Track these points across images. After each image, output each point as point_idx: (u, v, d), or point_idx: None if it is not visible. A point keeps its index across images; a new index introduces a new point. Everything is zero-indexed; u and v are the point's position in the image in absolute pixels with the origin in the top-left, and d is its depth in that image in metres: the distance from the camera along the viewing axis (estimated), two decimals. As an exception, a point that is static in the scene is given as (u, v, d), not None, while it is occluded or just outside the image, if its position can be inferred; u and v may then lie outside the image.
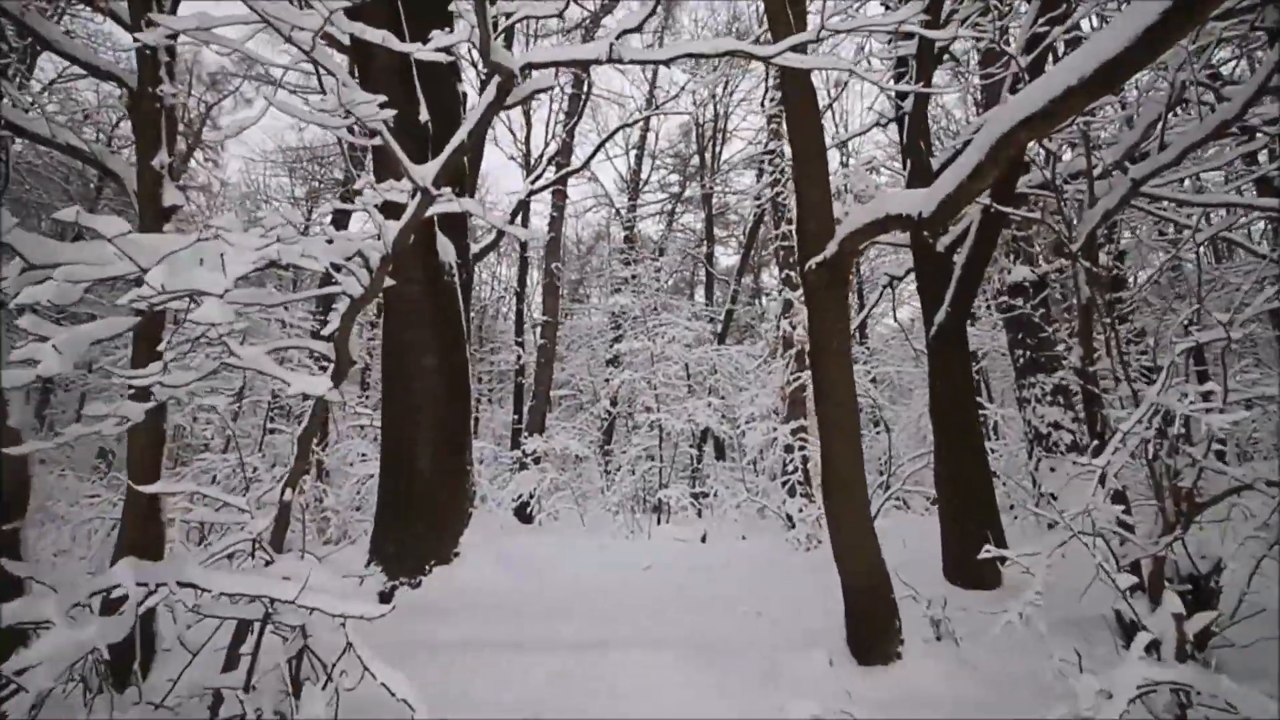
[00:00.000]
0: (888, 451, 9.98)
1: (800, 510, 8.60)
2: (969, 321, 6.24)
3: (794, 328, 5.07)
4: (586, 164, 11.76)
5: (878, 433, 14.57)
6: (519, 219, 17.02)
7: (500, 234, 10.93)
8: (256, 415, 12.68)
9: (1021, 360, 7.85)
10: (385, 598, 5.41)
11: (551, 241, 14.96)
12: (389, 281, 3.35)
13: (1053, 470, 7.43)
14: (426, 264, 5.81)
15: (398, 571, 5.49)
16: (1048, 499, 7.40)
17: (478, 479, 5.58)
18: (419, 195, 3.09)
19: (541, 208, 19.07)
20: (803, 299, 4.35)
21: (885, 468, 10.12)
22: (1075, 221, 6.47)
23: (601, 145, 11.54)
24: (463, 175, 6.65)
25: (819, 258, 3.85)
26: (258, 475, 9.74)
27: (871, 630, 3.80)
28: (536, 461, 13.16)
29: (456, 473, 5.82)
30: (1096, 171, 4.79)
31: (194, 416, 11.77)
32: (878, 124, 8.87)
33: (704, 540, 8.81)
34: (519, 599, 5.15)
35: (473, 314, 24.91)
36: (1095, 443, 4.48)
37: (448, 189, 3.22)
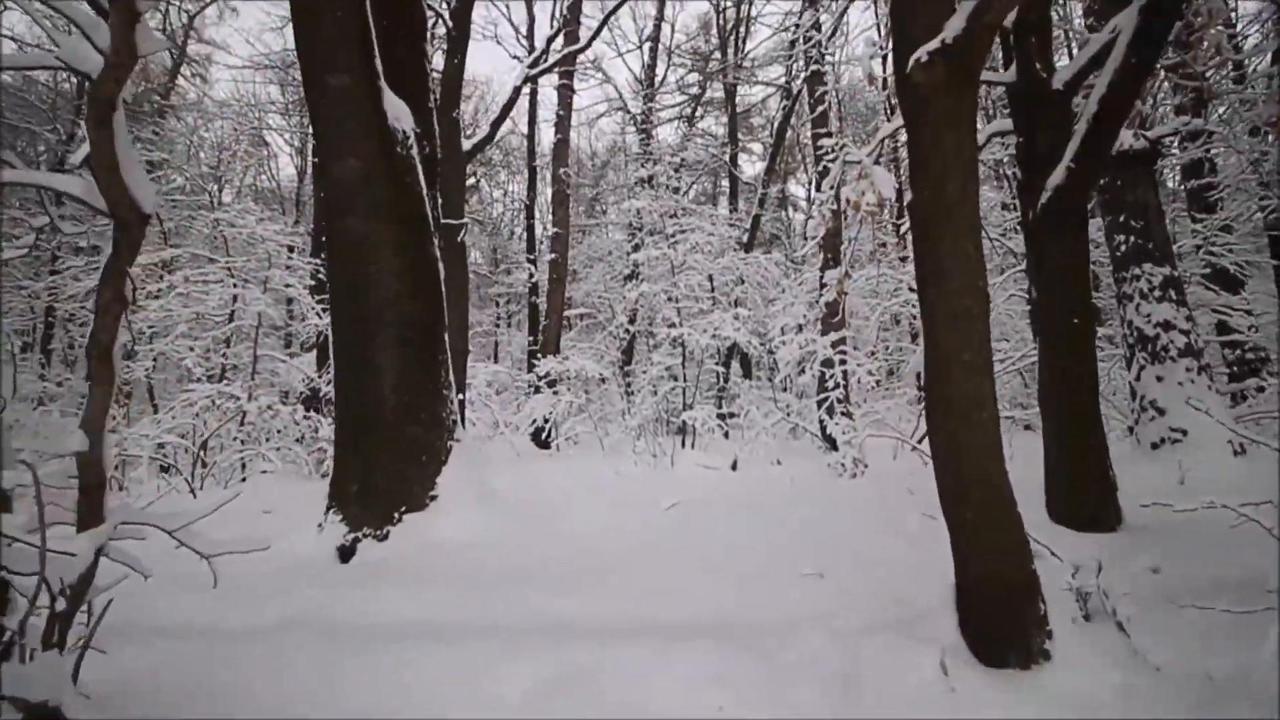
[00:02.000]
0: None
1: (845, 433, 7.27)
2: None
3: (862, 194, 3.59)
4: (593, 38, 9.94)
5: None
6: (529, 119, 15.21)
7: (495, 127, 9.30)
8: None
9: (1124, 248, 6.22)
10: (346, 553, 4.24)
11: (559, 145, 13.21)
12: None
13: (1160, 380, 5.93)
14: (370, 133, 4.33)
15: (360, 520, 4.31)
16: (1152, 413, 5.94)
17: (454, 404, 4.22)
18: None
19: (548, 113, 17.15)
20: (901, 123, 2.81)
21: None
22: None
23: (611, 14, 9.65)
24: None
25: (932, 44, 2.31)
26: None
27: (1004, 615, 2.48)
28: (551, 385, 11.94)
29: (429, 397, 4.53)
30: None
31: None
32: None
33: (734, 467, 7.57)
34: (506, 559, 3.93)
35: (480, 227, 23.39)
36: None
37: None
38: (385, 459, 4.36)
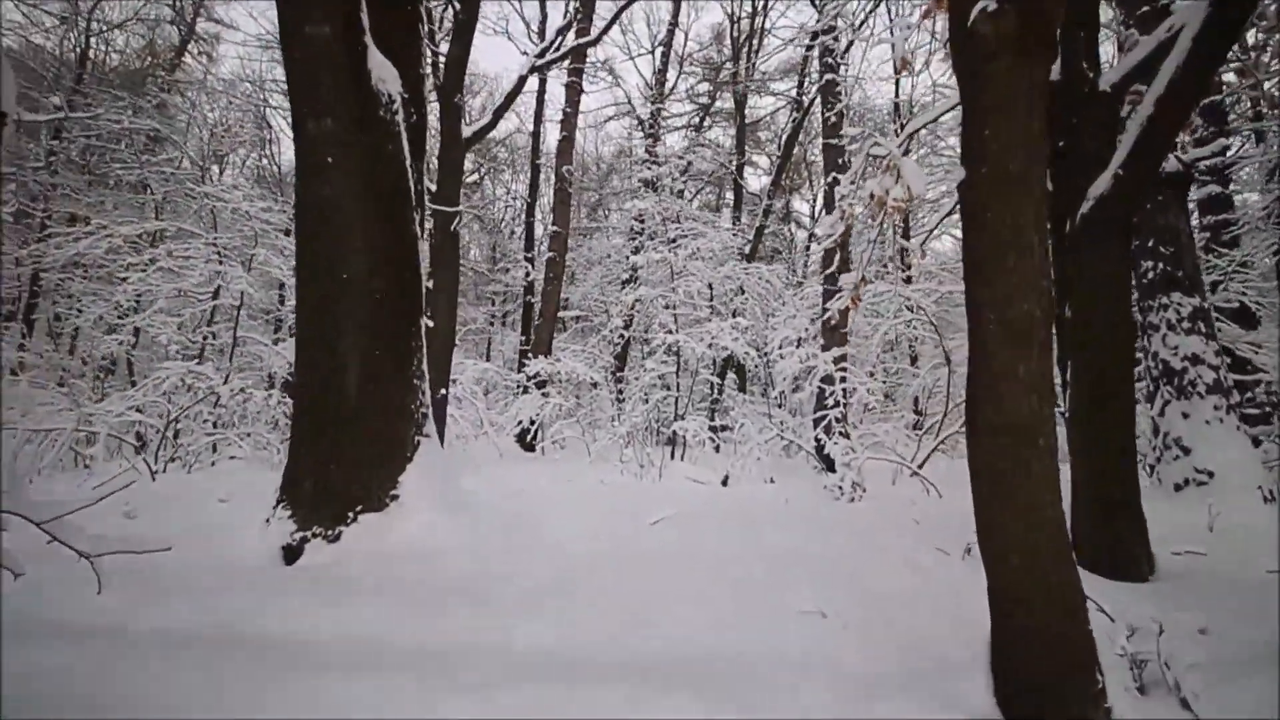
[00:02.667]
0: (948, 388, 8.09)
1: (845, 453, 6.82)
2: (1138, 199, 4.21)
3: (887, 190, 3.17)
4: (605, 32, 9.53)
5: (933, 365, 12.65)
6: (535, 117, 14.82)
7: (498, 115, 8.89)
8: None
9: (1151, 275, 5.82)
10: (291, 554, 3.76)
11: (564, 142, 12.82)
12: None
13: (1186, 417, 5.52)
14: (349, 91, 3.89)
15: (310, 518, 3.83)
16: (1177, 452, 5.53)
17: (425, 396, 3.73)
18: None
19: (555, 113, 16.77)
20: (958, 89, 2.39)
21: (942, 403, 8.26)
22: None
23: (624, 9, 9.26)
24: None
25: (1003, -11, 1.89)
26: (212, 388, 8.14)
27: (1053, 683, 2.03)
28: (541, 386, 11.48)
29: (397, 388, 4.06)
30: None
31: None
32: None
33: (725, 483, 7.11)
34: (468, 570, 3.46)
35: (480, 224, 22.94)
36: None
37: None
38: (343, 453, 3.89)
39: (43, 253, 13.67)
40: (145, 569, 3.67)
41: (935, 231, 7.89)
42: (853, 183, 3.80)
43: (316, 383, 3.97)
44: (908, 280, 10.33)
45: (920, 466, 7.79)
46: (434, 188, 8.61)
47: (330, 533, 3.78)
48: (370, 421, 3.93)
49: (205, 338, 10.55)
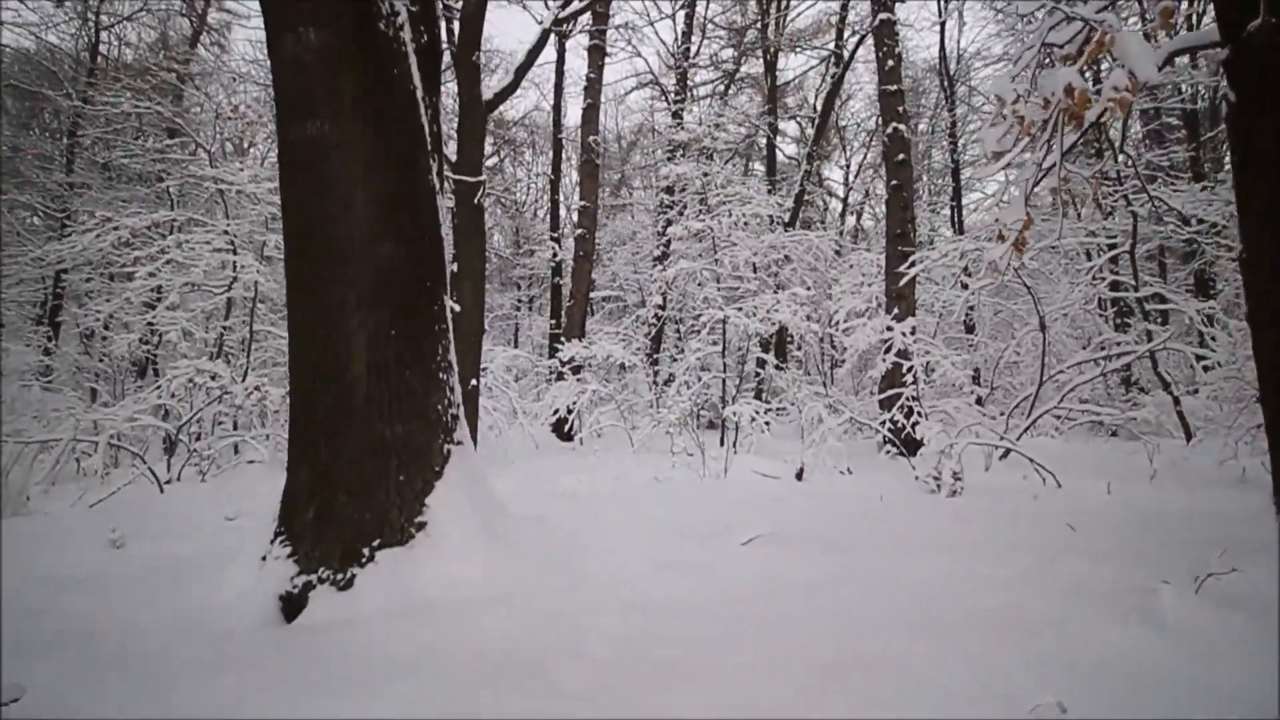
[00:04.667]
0: (1043, 358, 6.92)
1: (935, 438, 5.74)
2: None
3: (1095, 80, 2.13)
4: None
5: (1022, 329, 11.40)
6: (555, 89, 13.72)
7: (520, 74, 7.82)
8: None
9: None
10: (292, 606, 2.82)
11: (588, 110, 11.70)
12: None
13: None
14: (339, -8, 2.87)
15: (315, 557, 2.88)
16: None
17: (454, 392, 2.69)
18: None
19: (575, 88, 15.62)
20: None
21: (1037, 375, 7.09)
22: None
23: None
24: None
25: None
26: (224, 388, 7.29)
27: None
28: (576, 371, 10.52)
29: (417, 382, 3.08)
30: None
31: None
32: None
33: (800, 477, 6.09)
34: (515, 631, 2.48)
35: (502, 209, 21.91)
36: None
37: None
38: (351, 469, 2.93)
39: (57, 253, 12.98)
40: (104, 631, 2.78)
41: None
42: (1028, 69, 2.68)
43: (312, 378, 3.00)
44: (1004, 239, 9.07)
45: (1007, 454, 6.68)
46: (453, 157, 7.61)
47: (340, 577, 2.83)
48: (384, 426, 2.96)
49: (221, 333, 9.74)
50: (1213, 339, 7.35)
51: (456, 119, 8.12)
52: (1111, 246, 8.75)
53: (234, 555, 3.30)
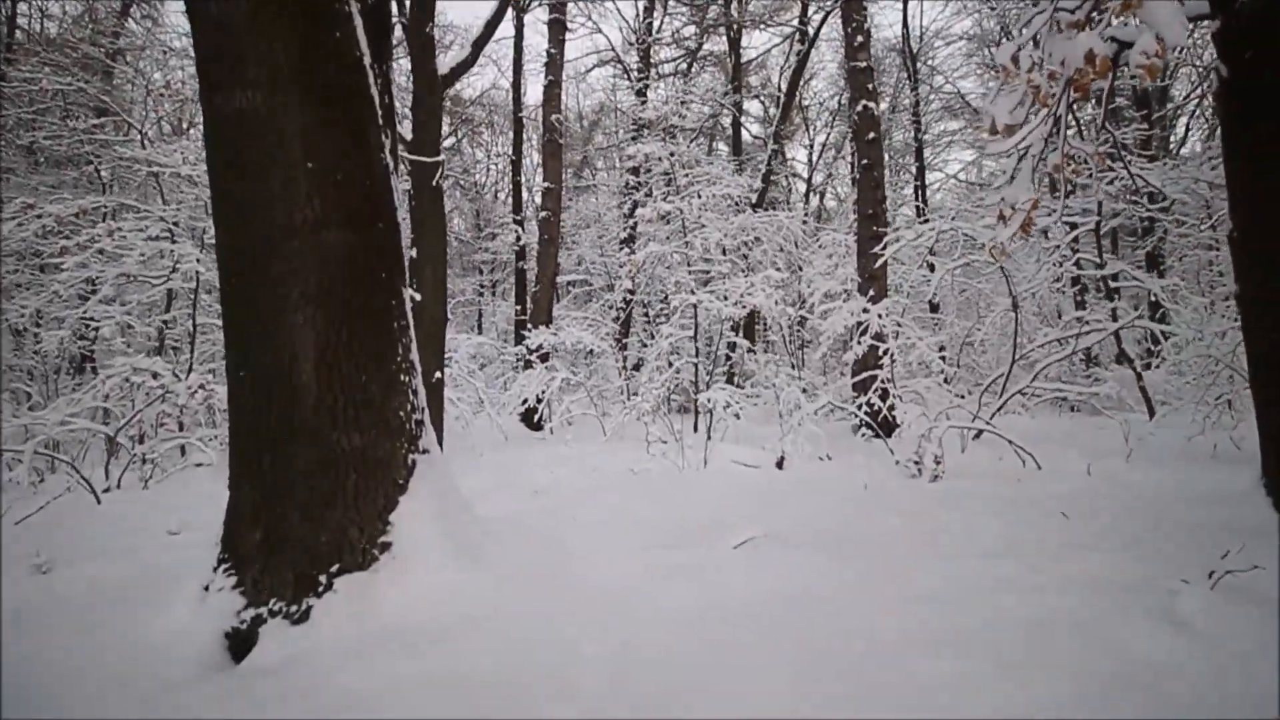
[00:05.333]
0: (1014, 339, 6.87)
1: (914, 421, 5.63)
2: None
3: (1118, 47, 1.92)
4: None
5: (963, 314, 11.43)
6: (514, 65, 13.16)
7: (478, 48, 7.35)
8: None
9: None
10: (239, 644, 2.49)
11: (550, 87, 11.22)
12: None
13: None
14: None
15: (264, 586, 2.56)
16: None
17: (417, 395, 2.34)
18: None
19: (534, 66, 15.04)
20: None
21: (1008, 354, 7.05)
22: None
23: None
24: None
25: None
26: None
27: None
28: (544, 359, 10.17)
29: (374, 387, 2.75)
30: None
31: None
32: None
33: (780, 465, 5.91)
34: (497, 663, 2.21)
35: (461, 192, 21.20)
36: None
37: None
38: (303, 487, 2.59)
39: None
40: (14, 682, 2.41)
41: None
42: (1035, 41, 2.45)
43: (253, 384, 2.64)
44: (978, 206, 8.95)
45: (980, 434, 6.65)
46: (408, 137, 7.13)
47: (294, 609, 2.51)
48: (338, 436, 2.63)
49: (162, 327, 9.08)
50: (1176, 314, 7.42)
51: (410, 98, 7.62)
52: (1072, 225, 8.78)
53: (174, 583, 2.93)
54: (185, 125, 18.00)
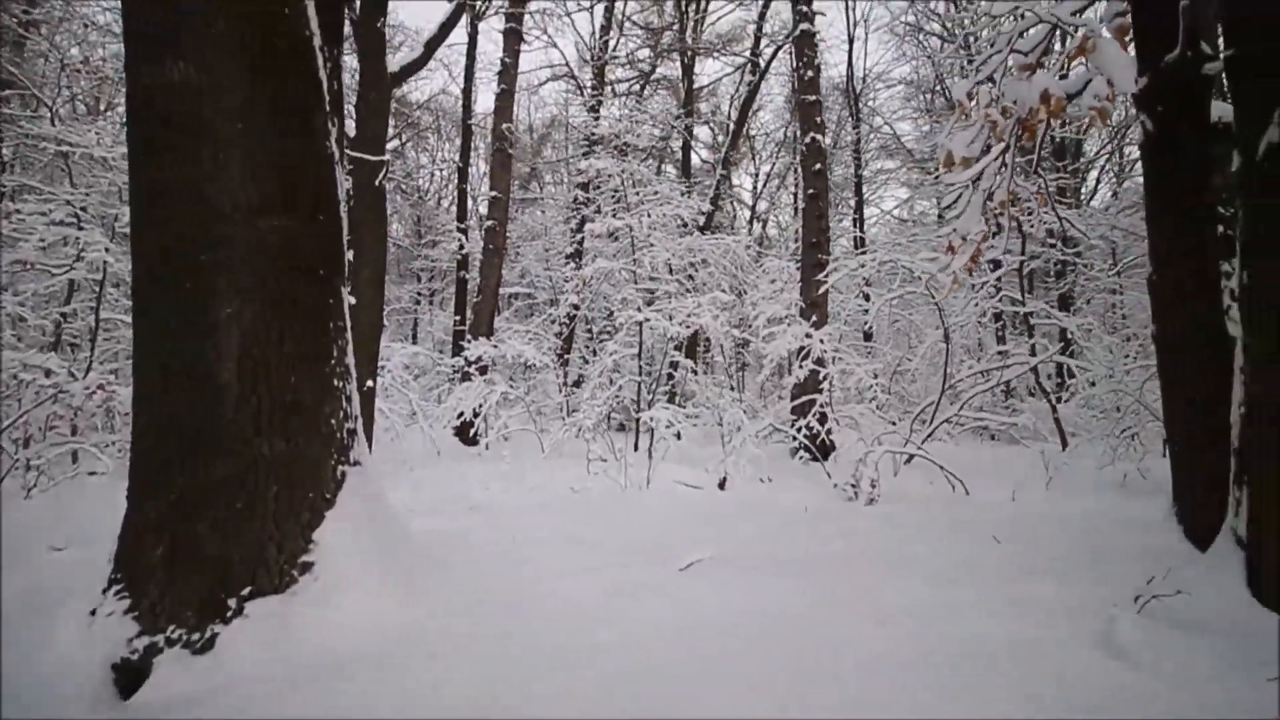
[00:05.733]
0: (944, 361, 7.15)
1: (853, 445, 5.74)
2: None
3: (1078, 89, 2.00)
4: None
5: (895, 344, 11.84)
6: (465, 73, 12.94)
7: (431, 49, 7.15)
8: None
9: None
10: (129, 679, 2.20)
11: (502, 96, 11.06)
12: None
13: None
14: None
15: (163, 610, 2.28)
16: None
17: (351, 402, 2.13)
18: None
19: (487, 74, 14.85)
20: None
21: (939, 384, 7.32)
22: None
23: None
24: None
25: None
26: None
27: None
28: (483, 371, 9.87)
29: (305, 390, 2.53)
30: None
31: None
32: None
33: (723, 486, 5.89)
34: (447, 700, 2.02)
35: (403, 196, 20.61)
36: None
37: None
38: (216, 498, 2.34)
39: None
40: None
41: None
42: (990, 80, 2.53)
43: (165, 381, 2.38)
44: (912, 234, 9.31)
45: (911, 459, 6.87)
46: (351, 134, 6.82)
47: (197, 637, 2.24)
48: (260, 442, 2.39)
49: (60, 320, 8.30)
50: (1089, 351, 7.92)
51: (355, 97, 7.32)
52: (996, 264, 9.30)
53: (57, 606, 2.59)
54: (103, 106, 16.76)
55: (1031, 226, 7.82)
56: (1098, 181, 13.99)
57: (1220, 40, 3.03)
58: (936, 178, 11.15)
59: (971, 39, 12.76)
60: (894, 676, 2.04)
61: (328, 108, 2.70)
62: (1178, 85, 3.54)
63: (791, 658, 2.15)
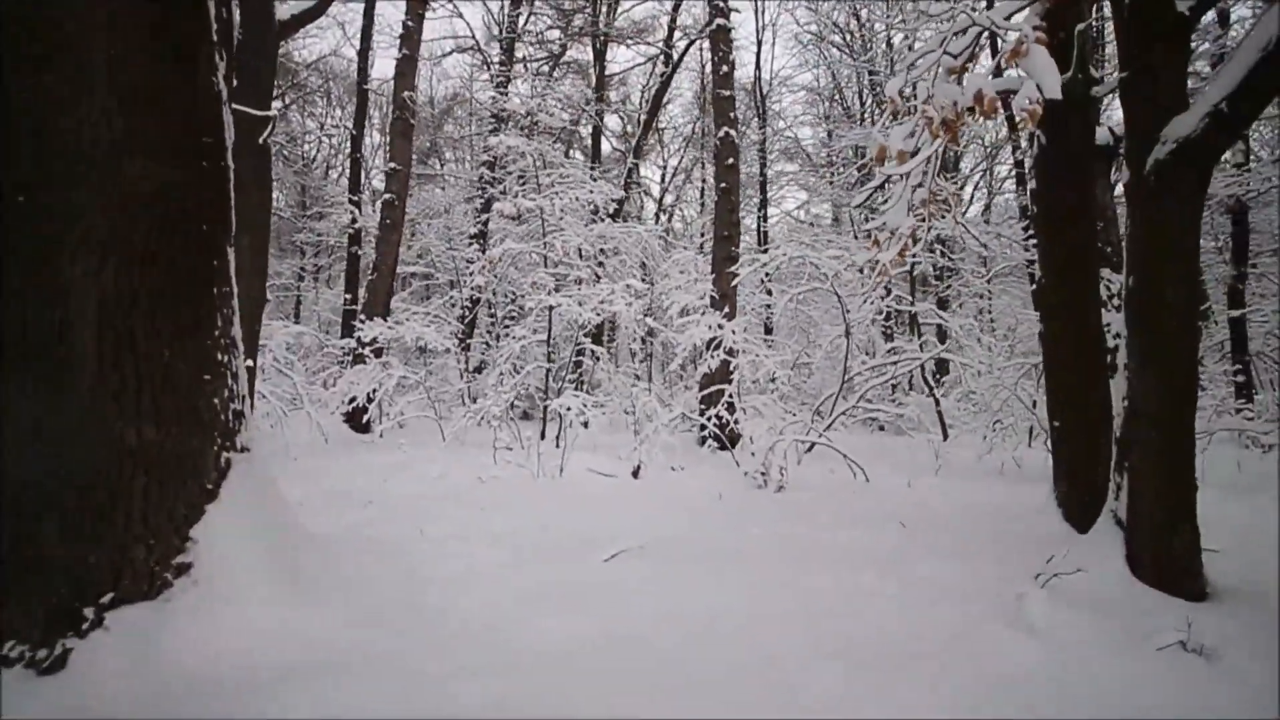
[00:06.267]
0: (845, 360, 7.49)
1: (762, 436, 5.87)
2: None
3: (1002, 93, 2.07)
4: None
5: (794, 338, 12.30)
6: (362, 35, 12.00)
7: (327, 2, 6.51)
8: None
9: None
10: (-58, 708, 1.78)
11: (404, 62, 10.34)
12: None
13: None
14: None
15: (3, 627, 1.87)
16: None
17: (238, 381, 1.81)
18: None
19: (385, 39, 13.88)
20: None
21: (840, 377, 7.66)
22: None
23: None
24: None
25: None
26: None
27: None
28: (378, 354, 9.24)
29: (181, 365, 2.17)
30: None
31: None
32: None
33: (636, 475, 5.83)
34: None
35: (285, 163, 18.98)
36: None
37: None
38: (68, 491, 1.95)
39: None
40: None
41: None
42: (923, 79, 2.59)
43: (21, 352, 1.95)
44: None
45: (812, 447, 7.18)
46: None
47: (42, 654, 1.86)
48: (124, 426, 2.02)
49: None
50: (969, 349, 8.62)
51: (236, 43, 6.54)
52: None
53: None
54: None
55: (929, 229, 8.35)
56: (972, 197, 15.26)
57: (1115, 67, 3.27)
58: (831, 182, 11.61)
59: (885, 45, 13.44)
60: (828, 670, 2.03)
61: (215, 39, 2.33)
62: (1071, 103, 3.84)
63: (731, 662, 2.09)
